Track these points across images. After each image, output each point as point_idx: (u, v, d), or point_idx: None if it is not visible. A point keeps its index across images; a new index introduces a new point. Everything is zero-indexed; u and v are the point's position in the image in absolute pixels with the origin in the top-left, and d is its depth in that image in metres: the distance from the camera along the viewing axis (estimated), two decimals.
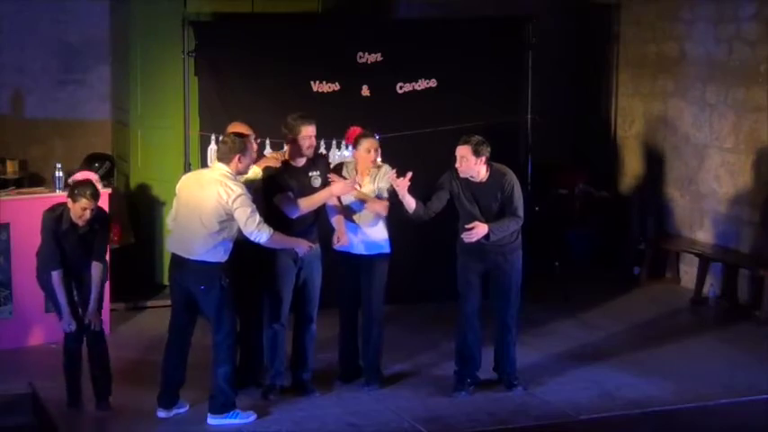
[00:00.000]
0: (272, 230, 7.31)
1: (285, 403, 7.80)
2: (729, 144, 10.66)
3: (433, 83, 10.13)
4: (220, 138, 9.20)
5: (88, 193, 7.37)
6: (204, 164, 9.54)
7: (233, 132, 7.57)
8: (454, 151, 7.72)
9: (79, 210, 7.38)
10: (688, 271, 11.10)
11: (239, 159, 7.35)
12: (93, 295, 7.54)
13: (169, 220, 7.66)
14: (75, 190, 7.42)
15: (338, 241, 7.95)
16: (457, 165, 7.84)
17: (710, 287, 10.60)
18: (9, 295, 8.91)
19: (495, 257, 7.93)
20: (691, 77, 11.09)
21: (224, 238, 7.30)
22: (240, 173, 7.44)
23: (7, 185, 9.98)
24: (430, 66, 10.10)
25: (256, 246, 7.78)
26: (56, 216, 7.49)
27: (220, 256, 7.32)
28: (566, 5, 12.09)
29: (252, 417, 7.51)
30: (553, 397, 8.01)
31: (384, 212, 7.99)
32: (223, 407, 7.42)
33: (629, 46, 11.91)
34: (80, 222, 7.44)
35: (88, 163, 10.43)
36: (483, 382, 8.15)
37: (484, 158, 7.81)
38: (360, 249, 8.01)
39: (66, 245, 7.48)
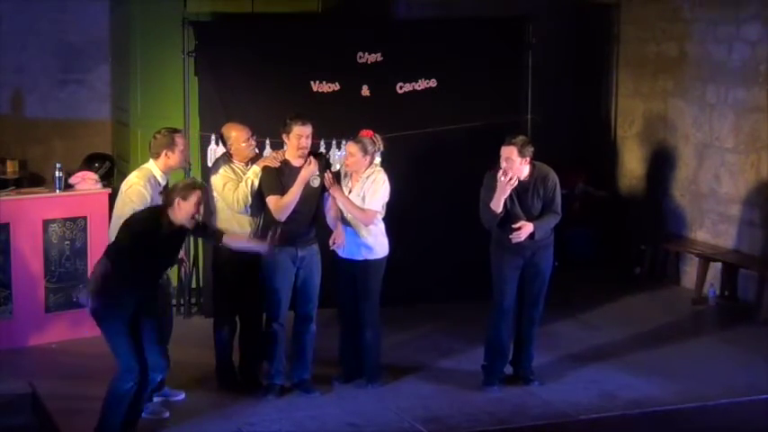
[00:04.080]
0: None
1: (285, 403, 7.80)
2: (729, 144, 10.66)
3: (433, 83, 10.13)
4: (216, 137, 9.30)
5: (197, 184, 7.01)
6: (204, 164, 9.55)
7: (164, 128, 7.58)
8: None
9: (192, 207, 6.86)
10: (688, 271, 11.10)
11: (166, 154, 7.42)
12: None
13: None
14: (181, 191, 6.87)
15: (334, 243, 7.95)
16: (502, 165, 7.83)
17: (710, 287, 10.60)
18: (9, 295, 8.90)
19: (532, 254, 8.00)
20: (691, 77, 11.09)
21: None
22: (171, 167, 7.45)
23: (7, 185, 9.98)
24: (430, 66, 10.10)
25: None
26: (154, 224, 6.86)
27: None
28: (566, 5, 12.08)
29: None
30: (553, 397, 8.01)
31: (365, 221, 7.91)
32: None
33: (629, 46, 11.91)
34: (190, 223, 6.93)
35: (88, 163, 10.44)
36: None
37: (528, 159, 7.86)
38: (354, 253, 7.99)
39: (161, 250, 7.00)
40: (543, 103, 10.70)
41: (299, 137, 7.72)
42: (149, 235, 6.84)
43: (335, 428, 7.44)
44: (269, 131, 8.99)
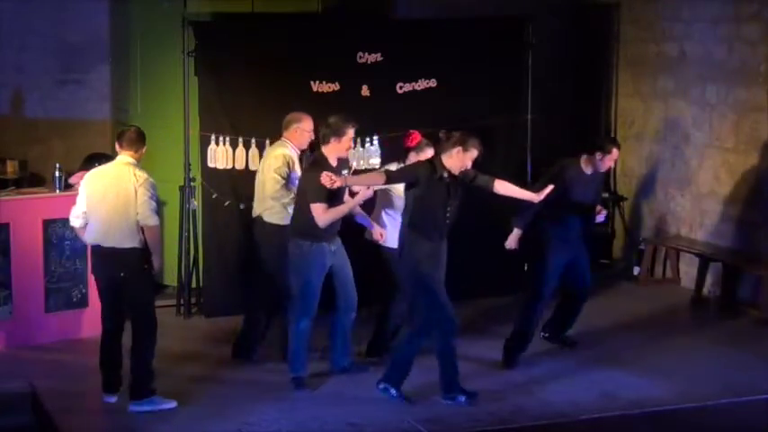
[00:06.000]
0: (158, 223, 7.54)
1: (285, 403, 7.80)
2: (729, 144, 10.66)
3: (432, 83, 10.13)
4: (216, 136, 9.36)
5: (478, 142, 7.63)
6: (204, 164, 9.56)
7: (132, 125, 7.89)
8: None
9: (469, 160, 7.58)
10: (688, 271, 11.09)
11: (141, 151, 7.66)
12: None
13: (73, 216, 7.76)
14: (467, 140, 7.61)
15: (381, 236, 8.25)
16: (610, 164, 8.71)
17: (710, 287, 10.60)
18: (9, 295, 8.90)
19: (579, 244, 8.72)
20: (691, 77, 11.08)
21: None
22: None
23: (7, 185, 9.98)
24: (430, 66, 10.10)
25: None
26: (432, 167, 7.63)
27: (140, 241, 7.52)
28: (566, 5, 12.08)
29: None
30: (553, 397, 8.01)
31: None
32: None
33: (629, 46, 11.91)
34: (460, 172, 7.58)
35: (88, 163, 10.40)
36: (483, 382, 8.17)
37: None
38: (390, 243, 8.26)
39: (441, 199, 7.61)
40: (543, 103, 10.70)
41: (350, 139, 7.95)
42: (430, 184, 7.53)
43: (335, 428, 7.44)
44: (269, 131, 9.00)
